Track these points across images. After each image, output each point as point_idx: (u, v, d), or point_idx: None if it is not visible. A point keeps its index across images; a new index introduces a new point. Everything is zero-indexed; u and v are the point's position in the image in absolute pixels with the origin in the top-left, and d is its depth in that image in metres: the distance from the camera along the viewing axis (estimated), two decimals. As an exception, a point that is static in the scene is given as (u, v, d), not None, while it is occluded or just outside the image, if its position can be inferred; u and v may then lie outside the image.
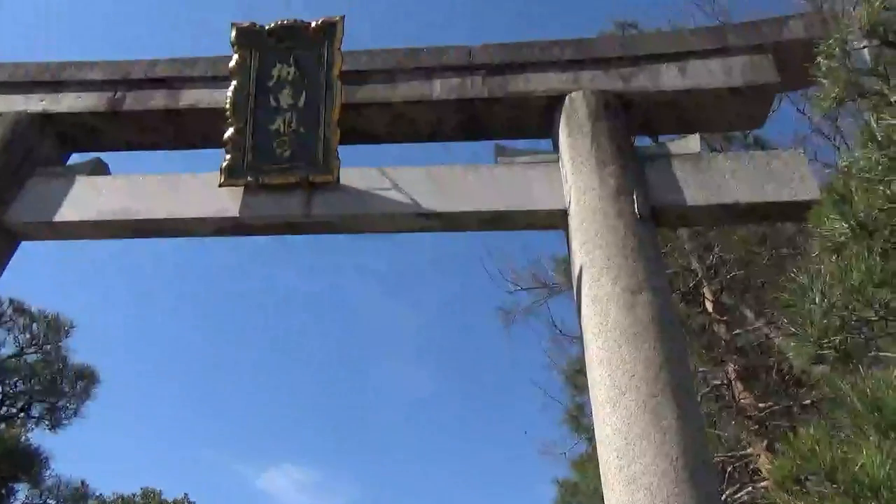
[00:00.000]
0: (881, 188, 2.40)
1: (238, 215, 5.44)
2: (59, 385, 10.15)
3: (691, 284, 12.68)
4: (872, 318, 2.48)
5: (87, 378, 10.19)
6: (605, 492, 3.97)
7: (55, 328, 9.82)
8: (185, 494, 21.77)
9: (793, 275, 2.70)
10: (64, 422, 11.51)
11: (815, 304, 2.50)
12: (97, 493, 15.17)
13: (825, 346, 2.49)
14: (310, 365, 36.07)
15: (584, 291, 4.70)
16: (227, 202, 5.49)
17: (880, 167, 2.38)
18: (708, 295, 12.49)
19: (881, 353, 2.65)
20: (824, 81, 2.94)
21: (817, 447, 2.11)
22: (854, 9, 3.22)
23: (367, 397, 34.40)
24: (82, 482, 13.19)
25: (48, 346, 10.06)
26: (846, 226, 2.45)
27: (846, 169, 2.65)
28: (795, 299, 2.62)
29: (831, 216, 2.54)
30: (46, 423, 11.42)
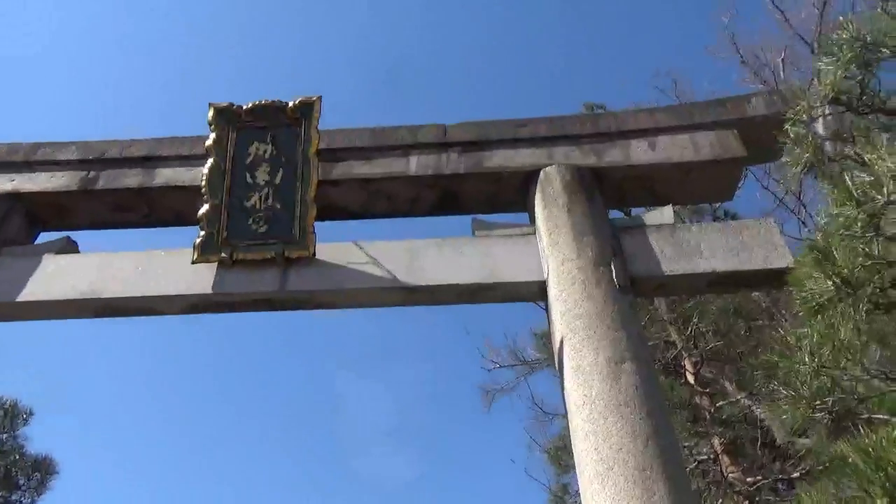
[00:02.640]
0: (861, 245, 2.43)
1: (211, 292, 5.32)
2: (14, 477, 9.56)
3: (671, 356, 12.63)
4: (863, 378, 2.45)
5: (44, 469, 9.63)
6: (598, 575, 3.76)
7: (13, 415, 9.35)
8: None
9: (782, 335, 2.66)
10: (17, 516, 10.79)
11: (805, 363, 2.46)
12: None
13: (818, 407, 2.44)
14: (284, 451, 34.68)
15: (567, 362, 4.61)
16: (201, 279, 5.37)
17: (859, 224, 2.42)
18: (689, 367, 12.42)
19: (874, 416, 2.59)
20: (795, 148, 3.02)
21: (825, 513, 2.02)
22: (815, 81, 3.37)
23: (347, 485, 32.95)
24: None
25: (4, 436, 9.55)
26: (830, 284, 2.45)
27: (825, 228, 2.68)
28: (782, 359, 2.57)
29: (813, 275, 2.55)
30: (-2, 519, 10.68)
